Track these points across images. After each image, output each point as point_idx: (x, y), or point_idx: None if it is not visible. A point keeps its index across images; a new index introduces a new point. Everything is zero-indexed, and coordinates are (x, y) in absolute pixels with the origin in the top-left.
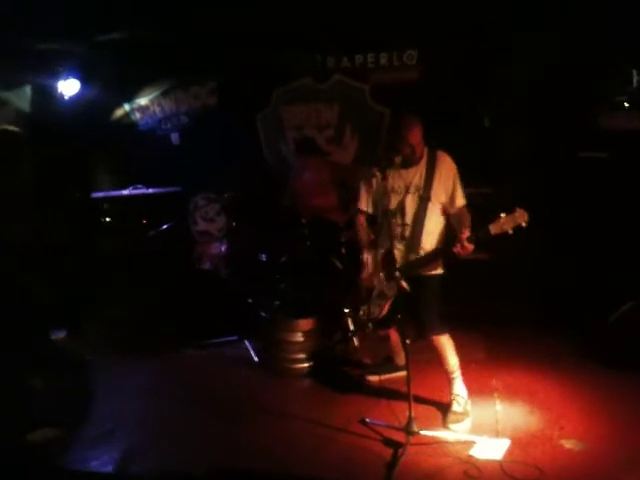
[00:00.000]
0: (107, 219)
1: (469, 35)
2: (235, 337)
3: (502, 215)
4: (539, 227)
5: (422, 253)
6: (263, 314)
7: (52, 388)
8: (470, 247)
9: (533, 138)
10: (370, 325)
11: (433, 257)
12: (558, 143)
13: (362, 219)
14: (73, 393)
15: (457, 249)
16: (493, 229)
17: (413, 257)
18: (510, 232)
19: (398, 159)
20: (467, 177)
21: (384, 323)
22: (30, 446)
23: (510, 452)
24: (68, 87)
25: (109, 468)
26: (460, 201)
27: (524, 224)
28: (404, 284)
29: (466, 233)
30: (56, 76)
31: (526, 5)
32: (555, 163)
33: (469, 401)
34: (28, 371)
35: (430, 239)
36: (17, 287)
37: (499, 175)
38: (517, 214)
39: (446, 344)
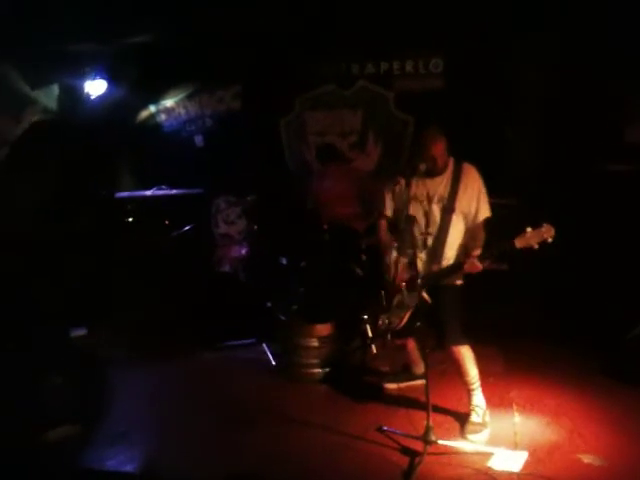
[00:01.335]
0: (130, 219)
1: (495, 45)
2: (253, 340)
3: (528, 229)
4: (560, 239)
5: (444, 264)
6: (282, 318)
7: (70, 386)
8: (479, 267)
9: (556, 150)
10: (389, 335)
11: (455, 268)
12: (581, 155)
13: (384, 223)
14: (91, 392)
15: (467, 267)
16: (518, 243)
17: (435, 267)
18: (535, 247)
19: (422, 167)
20: (489, 187)
21: (402, 332)
22: (47, 444)
23: (528, 465)
24: (95, 87)
25: (125, 468)
26: (483, 214)
27: (550, 239)
28: (425, 295)
29: (477, 251)
30: (84, 76)
31: (550, 16)
32: (578, 175)
33: (488, 412)
34: (46, 370)
35: (453, 250)
36: (34, 287)
37: (520, 186)
38: (544, 229)
39: (466, 355)
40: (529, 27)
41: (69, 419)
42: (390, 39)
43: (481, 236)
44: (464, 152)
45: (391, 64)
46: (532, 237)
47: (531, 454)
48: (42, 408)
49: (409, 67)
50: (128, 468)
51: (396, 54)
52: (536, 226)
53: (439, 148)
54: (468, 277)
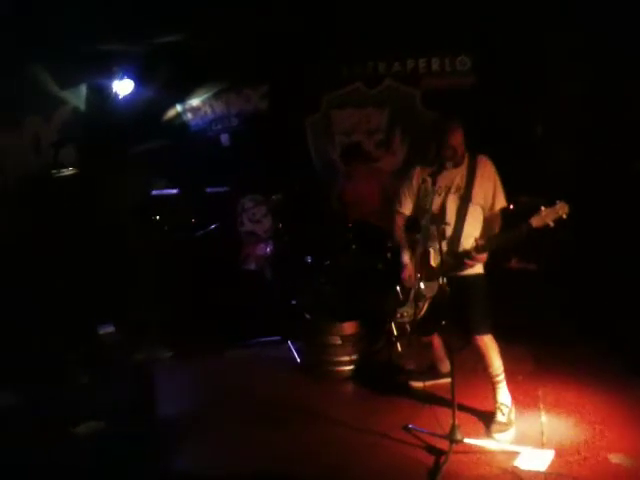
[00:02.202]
0: (157, 217)
1: (523, 42)
2: (279, 338)
3: (543, 208)
4: (590, 239)
5: (462, 253)
6: (307, 316)
7: (97, 383)
8: (480, 257)
9: (587, 148)
10: (408, 327)
11: (461, 257)
12: (613, 154)
13: (400, 220)
14: (117, 388)
15: (467, 260)
16: (535, 222)
17: (451, 257)
18: (552, 225)
19: (449, 164)
20: (518, 186)
21: (427, 329)
22: (75, 438)
23: (555, 464)
24: (123, 87)
25: (152, 465)
26: (500, 204)
27: (565, 216)
28: (443, 283)
29: (480, 241)
30: (111, 76)
31: (580, 14)
32: (610, 175)
33: (514, 410)
34: (75, 366)
35: (470, 239)
36: (64, 284)
37: (550, 185)
38: (558, 207)
39: (489, 345)
40: (558, 23)
41: (96, 415)
42: (416, 37)
43: (496, 226)
44: (492, 150)
45: (417, 62)
46: (547, 215)
47: (558, 454)
48: (71, 404)
49: (435, 65)
50: (156, 464)
51: (422, 52)
52: (551, 204)
53: (457, 138)
54: (498, 276)
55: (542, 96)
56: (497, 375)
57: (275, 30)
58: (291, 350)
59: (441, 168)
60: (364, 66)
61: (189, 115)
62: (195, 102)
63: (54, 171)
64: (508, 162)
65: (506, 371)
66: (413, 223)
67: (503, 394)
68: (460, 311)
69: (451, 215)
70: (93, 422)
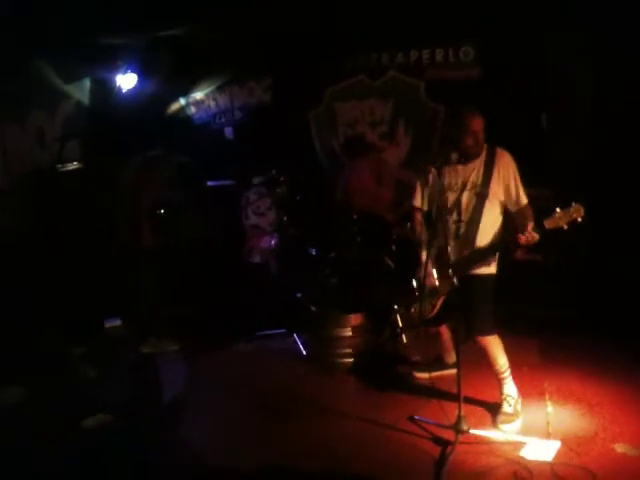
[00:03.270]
0: (162, 211)
1: (527, 32)
2: (284, 330)
3: (557, 210)
4: (598, 231)
5: (477, 251)
6: (312, 308)
7: (105, 376)
8: (536, 237)
9: (595, 139)
10: (419, 321)
11: (486, 254)
12: (621, 145)
13: (419, 216)
14: (125, 382)
15: (523, 238)
16: (547, 224)
17: (466, 254)
18: (565, 227)
19: (455, 156)
20: (525, 179)
21: (436, 320)
22: (84, 432)
23: (561, 454)
24: (126, 81)
25: (159, 458)
26: (523, 199)
27: (579, 219)
28: (455, 280)
29: (531, 224)
30: (115, 70)
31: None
32: (617, 166)
33: (520, 402)
34: (82, 360)
35: (485, 237)
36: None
37: (557, 177)
38: (573, 209)
39: (493, 344)
40: (561, 15)
41: (103, 408)
42: (420, 28)
43: (530, 213)
44: (496, 142)
45: (421, 53)
46: (561, 218)
47: (564, 444)
48: (78, 398)
49: (439, 56)
50: (161, 456)
51: (426, 43)
52: (565, 206)
53: (478, 123)
54: (506, 269)
55: (546, 86)
56: (502, 372)
57: (278, 23)
58: (297, 343)
59: (446, 161)
60: (367, 58)
61: (192, 109)
62: (199, 95)
63: (59, 165)
64: (513, 153)
65: (512, 362)
66: (428, 218)
67: (509, 386)
68: (465, 307)
69: (466, 212)
70: (101, 415)
